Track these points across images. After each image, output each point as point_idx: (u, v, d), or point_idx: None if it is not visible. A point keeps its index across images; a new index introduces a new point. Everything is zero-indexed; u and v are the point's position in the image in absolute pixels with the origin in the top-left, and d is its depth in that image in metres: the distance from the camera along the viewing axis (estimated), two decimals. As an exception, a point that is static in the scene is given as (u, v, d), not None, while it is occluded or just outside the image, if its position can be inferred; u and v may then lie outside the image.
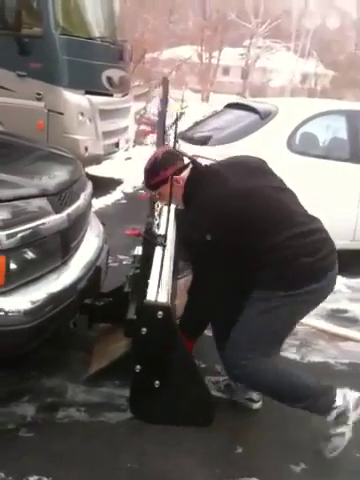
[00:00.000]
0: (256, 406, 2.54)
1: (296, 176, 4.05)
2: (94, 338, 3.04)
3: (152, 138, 11.69)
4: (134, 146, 9.43)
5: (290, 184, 4.01)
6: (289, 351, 3.17)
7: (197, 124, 4.97)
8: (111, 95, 6.38)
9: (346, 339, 3.44)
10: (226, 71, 31.26)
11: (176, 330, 1.76)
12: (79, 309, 2.66)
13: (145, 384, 1.81)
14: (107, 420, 2.43)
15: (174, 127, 3.38)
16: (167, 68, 15.83)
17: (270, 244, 2.18)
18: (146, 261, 2.46)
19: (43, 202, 2.31)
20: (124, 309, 2.86)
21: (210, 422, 2.00)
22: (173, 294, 2.33)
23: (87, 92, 5.87)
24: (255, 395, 2.54)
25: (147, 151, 10.01)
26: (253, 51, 26.67)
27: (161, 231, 2.52)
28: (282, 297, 2.15)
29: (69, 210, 2.51)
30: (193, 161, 2.34)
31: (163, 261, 2.23)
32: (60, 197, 2.46)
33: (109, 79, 6.23)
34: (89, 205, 2.99)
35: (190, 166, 2.34)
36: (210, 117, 5.15)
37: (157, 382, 1.80)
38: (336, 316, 3.79)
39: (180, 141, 4.96)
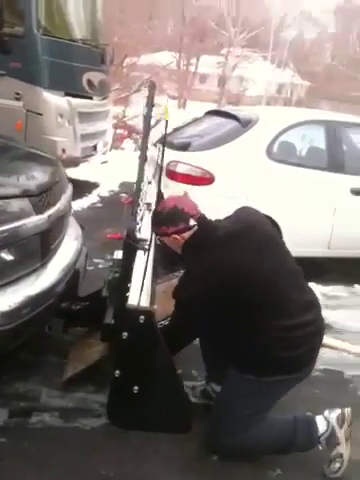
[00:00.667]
0: None
1: (275, 184, 4.13)
2: (69, 342, 3.00)
3: (128, 142, 11.74)
4: (110, 150, 9.38)
5: (269, 191, 4.09)
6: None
7: (177, 130, 4.97)
8: (91, 98, 6.34)
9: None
10: (203, 79, 31.43)
11: (158, 335, 1.75)
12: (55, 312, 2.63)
13: (124, 389, 1.78)
14: (82, 426, 2.40)
15: (162, 133, 3.36)
16: (145, 73, 15.83)
17: (253, 328, 2.14)
18: (126, 265, 2.44)
19: (24, 203, 2.27)
20: (101, 314, 2.84)
21: (189, 429, 1.98)
22: (153, 299, 2.32)
23: (67, 94, 5.81)
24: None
25: (123, 155, 10.01)
26: (231, 60, 26.89)
27: (143, 235, 2.50)
28: (254, 381, 2.15)
29: (50, 211, 2.48)
30: (200, 224, 2.26)
31: (146, 266, 2.21)
32: (41, 198, 2.43)
33: (89, 82, 6.19)
34: (69, 207, 2.96)
35: (195, 228, 2.26)
36: (190, 123, 5.17)
37: (136, 388, 1.77)
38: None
39: (160, 146, 4.99)
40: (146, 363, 1.76)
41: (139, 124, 12.16)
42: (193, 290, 2.11)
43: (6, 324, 2.10)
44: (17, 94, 5.55)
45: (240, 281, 2.10)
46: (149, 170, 5.05)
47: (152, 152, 5.16)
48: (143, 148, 2.71)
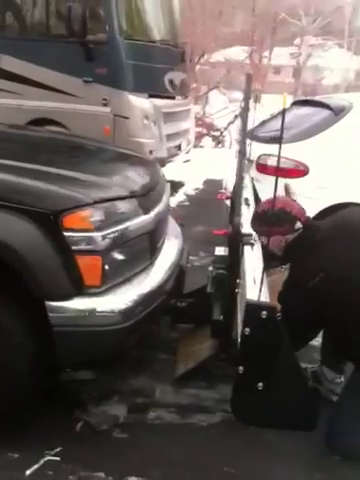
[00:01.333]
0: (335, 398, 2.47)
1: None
2: (176, 339, 3.04)
3: (207, 140, 11.76)
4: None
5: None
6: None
7: (263, 123, 4.89)
8: (173, 98, 6.39)
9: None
10: (277, 71, 30.90)
11: (281, 330, 1.72)
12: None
13: (248, 386, 1.77)
14: (198, 422, 2.41)
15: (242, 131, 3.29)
16: (220, 70, 15.83)
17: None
18: (234, 260, 2.43)
19: (133, 203, 2.32)
20: (207, 310, 2.85)
21: (314, 427, 1.94)
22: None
23: (150, 95, 5.89)
24: (338, 388, 2.47)
25: (203, 153, 10.03)
26: (304, 49, 26.22)
27: (246, 230, 2.47)
28: None
29: (155, 211, 2.52)
30: (304, 227, 2.23)
31: (256, 260, 2.19)
32: (147, 198, 2.47)
33: (171, 82, 6.24)
34: (168, 206, 2.99)
35: (299, 231, 2.25)
36: (277, 115, 5.06)
37: (260, 384, 1.75)
38: None
39: (249, 140, 4.93)
40: (270, 359, 1.73)
41: (216, 121, 12.17)
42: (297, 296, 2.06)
43: (123, 322, 2.15)
44: (104, 100, 5.69)
45: (346, 281, 2.05)
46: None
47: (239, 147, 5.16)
48: (242, 142, 2.68)
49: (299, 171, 3.99)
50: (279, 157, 1.79)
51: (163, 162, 6.31)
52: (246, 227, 2.52)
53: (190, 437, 2.31)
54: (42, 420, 2.30)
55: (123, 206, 2.25)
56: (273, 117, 5.03)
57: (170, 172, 7.50)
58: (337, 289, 2.07)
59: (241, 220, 2.44)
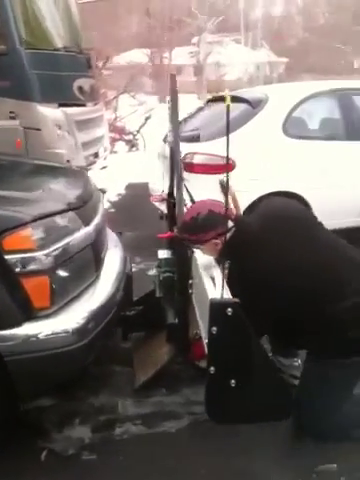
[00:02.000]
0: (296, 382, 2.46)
1: (296, 160, 4.09)
2: (128, 349, 2.97)
3: (120, 145, 11.68)
4: (105, 155, 9.32)
5: (292, 169, 4.04)
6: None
7: (183, 122, 4.91)
8: (84, 105, 6.26)
9: None
10: (179, 71, 31.24)
11: (247, 324, 1.71)
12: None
13: (221, 385, 1.75)
14: (167, 429, 2.37)
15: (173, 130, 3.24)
16: (121, 74, 15.74)
17: (316, 316, 2.10)
18: (182, 262, 2.40)
19: (72, 216, 2.23)
20: (158, 315, 2.80)
21: (288, 415, 1.96)
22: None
23: (60, 104, 5.73)
24: (298, 371, 2.50)
25: (119, 158, 9.94)
26: (203, 47, 26.76)
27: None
28: (333, 365, 2.11)
29: (95, 221, 2.44)
30: (237, 225, 2.18)
31: (207, 258, 2.17)
32: (85, 209, 2.39)
33: (80, 89, 6.09)
34: (105, 215, 2.92)
35: (233, 229, 2.19)
36: (194, 114, 5.11)
37: (233, 381, 1.74)
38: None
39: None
40: (240, 355, 1.72)
41: (127, 125, 12.11)
42: (250, 302, 1.99)
43: (79, 341, 2.06)
44: (12, 113, 5.47)
45: (289, 274, 2.04)
46: (162, 166, 5.03)
47: (162, 148, 5.14)
48: (175, 143, 2.66)
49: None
50: (228, 154, 1.76)
51: (83, 171, 6.19)
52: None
53: (161, 446, 2.26)
54: (4, 455, 2.15)
55: (63, 220, 2.16)
56: (190, 116, 5.06)
57: (90, 181, 7.38)
58: (275, 277, 2.05)
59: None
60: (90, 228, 2.33)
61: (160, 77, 24.94)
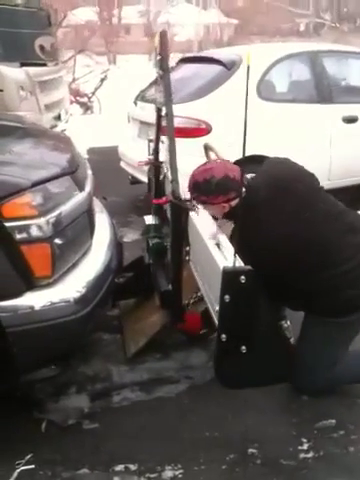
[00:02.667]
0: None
1: (269, 123, 4.07)
2: (117, 317, 2.95)
3: (75, 107, 11.32)
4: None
5: (265, 131, 4.03)
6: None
7: (152, 84, 4.78)
8: (45, 65, 6.00)
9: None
10: (127, 30, 30.37)
11: (259, 291, 1.71)
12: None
13: (232, 351, 1.76)
14: (166, 394, 2.38)
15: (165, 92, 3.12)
16: (71, 32, 15.17)
17: (311, 280, 2.14)
18: (178, 227, 2.37)
19: (68, 181, 2.14)
20: (147, 282, 2.78)
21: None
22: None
23: (22, 64, 5.46)
24: (289, 333, 2.56)
25: (75, 121, 9.66)
26: (153, 6, 26.02)
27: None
28: (331, 323, 2.16)
29: (88, 186, 2.36)
30: (246, 191, 2.10)
31: (209, 225, 2.15)
32: (78, 174, 2.30)
33: (42, 47, 5.83)
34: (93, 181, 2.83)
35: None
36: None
37: (243, 347, 1.75)
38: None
39: (142, 103, 4.81)
40: (252, 322, 1.73)
41: (82, 86, 11.74)
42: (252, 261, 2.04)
43: (81, 310, 2.01)
44: (-31, 73, 5.17)
45: (289, 241, 2.08)
46: (133, 129, 4.92)
47: (133, 110, 5.01)
48: (168, 105, 2.59)
49: (201, 129, 3.99)
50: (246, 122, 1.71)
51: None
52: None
53: (163, 411, 2.27)
54: (3, 427, 2.10)
55: (60, 186, 2.07)
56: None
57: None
58: (275, 245, 2.08)
59: (179, 185, 2.36)
60: (85, 193, 2.26)
61: (109, 37, 24.21)
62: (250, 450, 2.04)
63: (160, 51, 2.59)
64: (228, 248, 1.91)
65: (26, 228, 1.87)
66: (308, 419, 2.19)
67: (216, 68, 4.25)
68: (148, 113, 4.21)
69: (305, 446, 2.05)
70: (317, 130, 4.25)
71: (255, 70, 4.13)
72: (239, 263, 1.74)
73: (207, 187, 2.17)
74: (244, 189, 2.14)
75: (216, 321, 1.84)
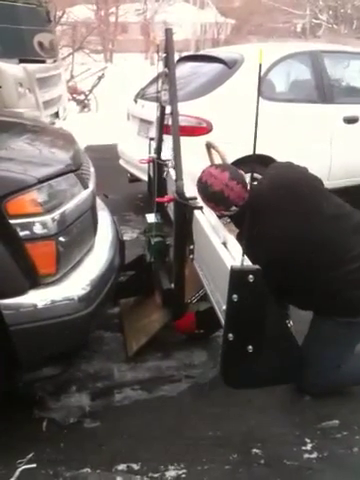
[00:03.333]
0: None
1: (270, 122, 4.05)
2: (117, 315, 2.93)
3: (72, 105, 11.28)
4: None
5: (267, 131, 4.01)
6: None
7: (153, 82, 4.76)
8: (44, 62, 5.97)
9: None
10: (125, 28, 30.28)
11: (267, 291, 1.71)
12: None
13: (239, 351, 1.74)
14: (167, 394, 2.37)
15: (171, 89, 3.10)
16: (70, 29, 15.06)
17: (322, 279, 2.17)
18: (182, 227, 2.35)
19: (73, 178, 2.13)
20: (149, 281, 2.77)
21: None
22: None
23: (21, 60, 5.43)
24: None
25: (71, 119, 9.63)
26: (150, 5, 25.96)
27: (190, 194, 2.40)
28: (339, 324, 2.18)
29: (92, 184, 2.35)
30: (251, 195, 2.16)
31: (213, 224, 2.13)
32: (81, 171, 2.28)
33: (40, 44, 5.80)
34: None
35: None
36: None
37: (250, 347, 1.74)
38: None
39: (142, 101, 4.79)
40: (259, 321, 1.72)
41: (79, 84, 11.70)
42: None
43: (85, 308, 2.00)
44: (-33, 69, 5.13)
45: (292, 243, 2.12)
46: (133, 127, 4.89)
47: (133, 108, 4.99)
48: (173, 104, 2.58)
49: (202, 128, 3.98)
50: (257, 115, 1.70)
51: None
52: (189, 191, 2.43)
53: (165, 410, 2.26)
54: (4, 426, 2.08)
55: (65, 183, 2.05)
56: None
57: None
58: (279, 247, 2.13)
59: (183, 184, 2.35)
60: (89, 191, 2.24)
61: (106, 35, 24.13)
62: (253, 450, 2.03)
63: (165, 48, 2.58)
64: (235, 247, 1.90)
65: (31, 225, 1.85)
66: (311, 420, 2.19)
67: (217, 67, 4.23)
68: (148, 111, 4.20)
69: (309, 446, 2.05)
70: (318, 130, 4.25)
71: (256, 69, 4.11)
72: (247, 262, 1.72)
73: (205, 190, 2.26)
74: (237, 208, 2.23)
75: (222, 320, 1.82)
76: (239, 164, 3.64)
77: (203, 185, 2.26)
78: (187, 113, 4.02)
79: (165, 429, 2.15)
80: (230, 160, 3.88)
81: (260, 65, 1.60)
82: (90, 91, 11.17)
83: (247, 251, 1.76)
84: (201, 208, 2.27)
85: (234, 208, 2.26)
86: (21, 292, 1.88)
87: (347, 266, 2.17)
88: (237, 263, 1.71)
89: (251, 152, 4.08)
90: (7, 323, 1.86)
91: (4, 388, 2.01)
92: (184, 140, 3.88)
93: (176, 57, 5.31)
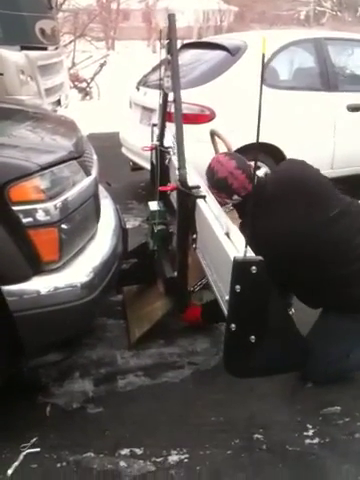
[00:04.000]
0: None
1: (274, 110, 4.04)
2: (120, 302, 2.95)
3: (74, 92, 11.23)
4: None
5: (270, 119, 3.99)
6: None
7: (155, 69, 4.74)
8: (45, 49, 5.93)
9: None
10: (127, 16, 30.02)
11: (270, 282, 1.71)
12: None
13: (241, 341, 1.75)
14: (170, 380, 2.38)
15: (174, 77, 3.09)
16: (71, 17, 14.96)
17: (325, 276, 2.20)
18: (185, 215, 2.35)
19: (75, 165, 2.12)
20: (151, 268, 2.77)
21: (304, 365, 2.01)
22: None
23: (23, 47, 5.40)
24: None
25: (73, 107, 9.59)
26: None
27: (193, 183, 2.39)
28: (348, 318, 2.22)
29: (94, 171, 2.35)
30: (257, 187, 2.24)
31: (216, 213, 2.13)
32: (84, 158, 2.28)
33: (42, 31, 5.76)
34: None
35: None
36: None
37: (252, 337, 1.75)
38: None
39: (145, 88, 4.77)
40: (262, 312, 1.73)
41: (81, 72, 11.63)
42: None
43: (88, 295, 2.00)
44: (-29, 57, 5.11)
45: (297, 242, 2.14)
46: (135, 115, 4.88)
47: (135, 96, 4.97)
48: (177, 91, 2.56)
49: (205, 116, 3.96)
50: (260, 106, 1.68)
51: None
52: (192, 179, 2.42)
53: (168, 396, 2.27)
54: (4, 412, 2.10)
55: (68, 170, 2.05)
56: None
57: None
58: (292, 241, 2.14)
59: (186, 172, 2.34)
60: (91, 178, 2.24)
61: (108, 22, 23.93)
62: (255, 436, 2.05)
63: (168, 34, 2.56)
64: (238, 237, 1.90)
65: (33, 212, 1.85)
66: (313, 406, 2.21)
67: (220, 54, 4.21)
68: (151, 98, 4.19)
69: (310, 432, 2.07)
70: (321, 118, 4.23)
71: (260, 56, 4.08)
72: (250, 253, 1.72)
73: (210, 176, 2.33)
74: (239, 198, 2.28)
75: (225, 310, 1.83)
76: (242, 152, 3.63)
77: (210, 171, 2.33)
78: (190, 101, 4.01)
79: (168, 415, 2.17)
80: (233, 148, 3.89)
81: (263, 55, 1.58)
82: (92, 79, 11.12)
83: (250, 242, 1.77)
84: (204, 197, 2.27)
85: (236, 197, 2.28)
86: (24, 279, 1.89)
87: (353, 264, 2.20)
88: (240, 254, 1.71)
89: (254, 140, 4.08)
90: (11, 309, 1.87)
91: (8, 374, 2.03)
92: (186, 128, 3.89)
93: (178, 44, 5.30)
